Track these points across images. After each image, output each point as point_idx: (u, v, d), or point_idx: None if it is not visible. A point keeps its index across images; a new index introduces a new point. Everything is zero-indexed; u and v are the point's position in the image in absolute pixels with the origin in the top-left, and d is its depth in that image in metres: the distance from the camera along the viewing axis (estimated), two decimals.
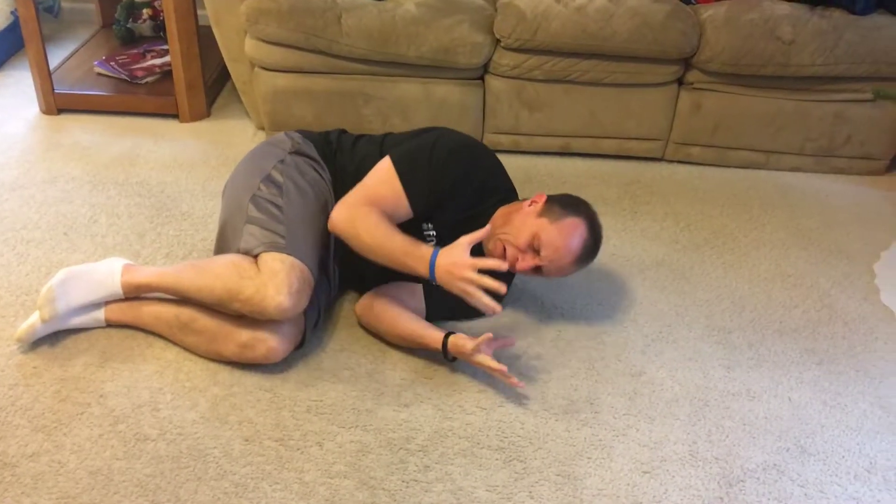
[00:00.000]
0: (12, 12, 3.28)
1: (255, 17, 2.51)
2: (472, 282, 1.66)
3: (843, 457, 1.71)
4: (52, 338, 1.88)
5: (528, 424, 1.74)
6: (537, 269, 1.82)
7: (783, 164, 2.78)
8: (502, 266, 1.70)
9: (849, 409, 1.83)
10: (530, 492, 1.59)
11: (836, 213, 2.57)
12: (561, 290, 2.15)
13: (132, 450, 1.63)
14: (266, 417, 1.72)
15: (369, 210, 1.78)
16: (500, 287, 1.68)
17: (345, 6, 2.51)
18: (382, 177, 1.84)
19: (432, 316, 1.94)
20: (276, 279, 1.70)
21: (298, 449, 1.65)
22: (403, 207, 1.82)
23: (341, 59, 2.58)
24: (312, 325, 1.88)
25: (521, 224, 1.81)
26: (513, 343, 1.85)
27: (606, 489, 1.61)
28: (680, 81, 2.67)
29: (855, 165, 2.78)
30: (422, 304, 1.94)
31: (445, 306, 1.92)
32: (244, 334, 1.77)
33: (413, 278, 1.94)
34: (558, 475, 1.63)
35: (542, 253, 1.78)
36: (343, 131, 2.10)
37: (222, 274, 1.74)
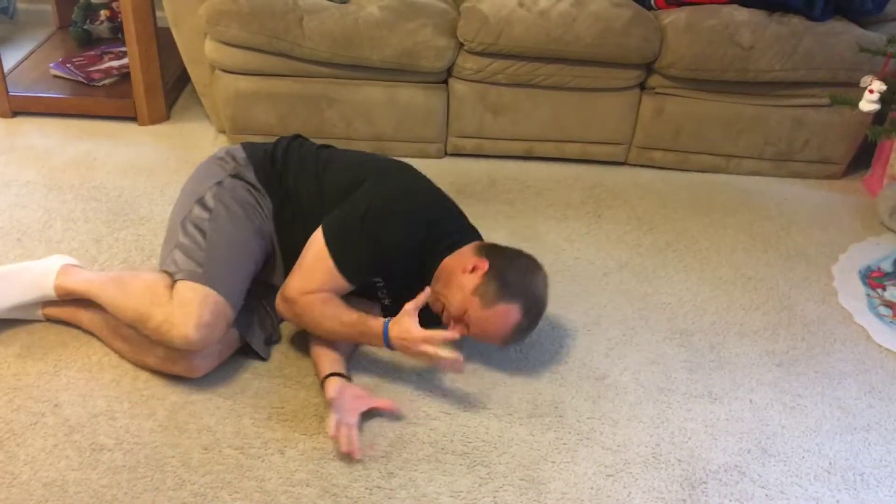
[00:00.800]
0: None
1: (215, 18, 2.47)
2: (426, 351, 1.65)
3: (804, 457, 1.73)
4: (5, 345, 1.83)
5: (493, 429, 1.74)
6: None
7: (743, 168, 2.81)
8: (454, 336, 1.67)
9: (808, 411, 1.85)
10: (494, 497, 1.59)
11: (795, 217, 2.60)
12: None
13: (88, 460, 1.59)
14: (226, 425, 1.69)
15: (309, 300, 1.73)
16: (456, 358, 1.68)
17: (306, 9, 2.49)
18: (315, 260, 1.75)
19: None
20: (185, 310, 1.66)
21: (259, 457, 1.63)
22: (343, 286, 1.76)
23: (304, 62, 2.55)
24: (264, 340, 1.87)
25: (456, 293, 1.74)
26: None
27: (570, 493, 1.61)
28: (642, 86, 2.69)
29: (813, 169, 2.82)
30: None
31: None
32: (162, 348, 1.73)
33: (369, 297, 1.91)
34: (522, 479, 1.63)
35: (471, 331, 1.76)
36: (291, 142, 1.98)
37: (136, 296, 1.72)
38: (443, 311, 1.79)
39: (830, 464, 1.72)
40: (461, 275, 1.75)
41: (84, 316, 1.85)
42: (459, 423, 1.74)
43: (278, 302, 1.80)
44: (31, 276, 1.82)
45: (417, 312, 1.68)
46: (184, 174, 2.49)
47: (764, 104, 2.68)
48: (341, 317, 1.73)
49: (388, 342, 1.69)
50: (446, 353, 1.66)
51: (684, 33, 2.56)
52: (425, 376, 1.85)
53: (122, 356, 1.83)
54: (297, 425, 1.70)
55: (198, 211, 1.82)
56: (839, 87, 2.60)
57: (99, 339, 1.86)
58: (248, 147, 1.96)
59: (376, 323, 1.71)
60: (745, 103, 2.68)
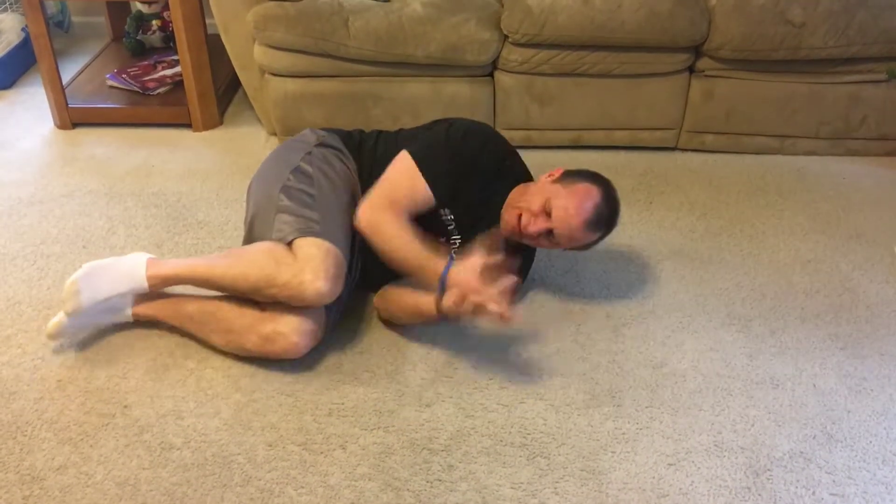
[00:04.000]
0: (23, 29, 3.31)
1: (262, 23, 2.52)
2: (479, 300, 1.65)
3: (871, 442, 1.70)
4: (75, 350, 1.90)
5: (551, 420, 1.74)
6: (550, 236, 1.84)
7: (798, 149, 2.75)
8: (509, 283, 1.67)
9: (874, 394, 1.81)
10: (555, 488, 1.59)
11: (854, 196, 2.54)
12: (578, 284, 2.14)
13: (158, 459, 1.64)
14: (288, 422, 1.72)
15: (391, 216, 1.80)
16: (506, 313, 1.65)
17: (351, 9, 2.52)
18: (401, 169, 1.87)
19: None
20: (313, 263, 1.71)
21: (322, 452, 1.66)
22: (426, 196, 1.85)
23: (350, 62, 2.58)
24: (333, 321, 1.89)
25: (536, 191, 1.88)
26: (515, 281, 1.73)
27: (632, 482, 1.60)
28: (691, 69, 2.65)
29: (871, 147, 2.75)
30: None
31: None
32: (266, 327, 1.78)
33: (438, 238, 1.97)
34: (583, 470, 1.63)
35: (553, 213, 1.81)
36: (363, 130, 2.12)
37: (258, 260, 1.75)
38: (518, 224, 1.85)
39: None
40: (540, 180, 1.91)
41: (174, 312, 1.90)
42: (517, 415, 1.75)
43: (363, 209, 1.83)
44: (122, 268, 1.86)
45: (479, 270, 1.67)
46: (238, 177, 2.56)
47: (818, 82, 2.62)
48: (411, 243, 1.77)
49: (443, 287, 1.70)
50: (497, 307, 1.64)
51: (733, 13, 2.51)
52: (481, 369, 1.86)
53: (216, 346, 1.87)
54: (357, 420, 1.73)
55: (296, 177, 1.89)
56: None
57: (190, 333, 1.91)
58: (325, 128, 2.09)
59: (440, 262, 1.73)
60: (798, 82, 2.62)
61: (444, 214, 1.93)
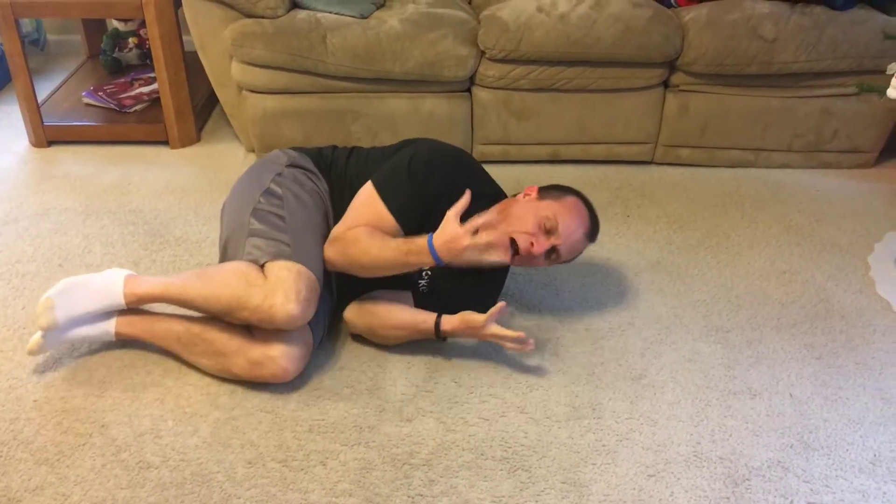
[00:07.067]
0: None
1: (240, 40, 2.52)
2: (474, 247, 1.68)
3: (847, 450, 1.71)
4: (51, 370, 1.88)
5: (532, 433, 1.74)
6: (550, 252, 1.83)
7: (772, 162, 2.79)
8: (489, 220, 1.70)
9: (850, 403, 1.83)
10: (537, 501, 1.59)
11: (828, 208, 2.58)
12: (557, 297, 2.15)
13: (136, 478, 1.62)
14: (268, 439, 1.71)
15: (355, 233, 1.79)
16: (501, 253, 1.73)
17: (329, 26, 2.53)
18: (365, 201, 1.85)
19: None
20: (285, 286, 1.70)
21: (302, 469, 1.65)
22: (391, 225, 1.82)
23: (328, 79, 2.59)
24: (318, 341, 1.89)
25: (524, 211, 1.83)
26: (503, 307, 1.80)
27: (612, 494, 1.61)
28: (665, 84, 2.69)
29: (843, 159, 2.79)
30: (411, 304, 1.96)
31: (436, 309, 1.95)
32: (255, 351, 1.77)
33: (402, 286, 1.94)
34: (564, 483, 1.63)
35: (559, 229, 1.81)
36: (335, 147, 2.10)
37: (229, 282, 1.74)
38: (512, 250, 1.81)
39: (875, 455, 1.70)
40: (519, 200, 1.88)
41: (159, 332, 1.87)
42: (498, 429, 1.75)
43: (326, 247, 1.84)
44: (98, 285, 1.84)
45: (458, 217, 1.71)
46: (216, 194, 2.55)
47: (790, 96, 2.66)
48: (387, 242, 1.77)
49: (435, 255, 1.71)
50: (497, 254, 1.70)
51: (706, 29, 2.55)
52: (461, 384, 1.87)
53: (202, 369, 1.86)
54: (337, 436, 1.72)
55: (267, 199, 1.88)
56: (866, 76, 2.58)
57: (175, 355, 1.89)
58: (295, 148, 2.07)
59: (420, 240, 1.73)
60: (770, 96, 2.66)
61: None
